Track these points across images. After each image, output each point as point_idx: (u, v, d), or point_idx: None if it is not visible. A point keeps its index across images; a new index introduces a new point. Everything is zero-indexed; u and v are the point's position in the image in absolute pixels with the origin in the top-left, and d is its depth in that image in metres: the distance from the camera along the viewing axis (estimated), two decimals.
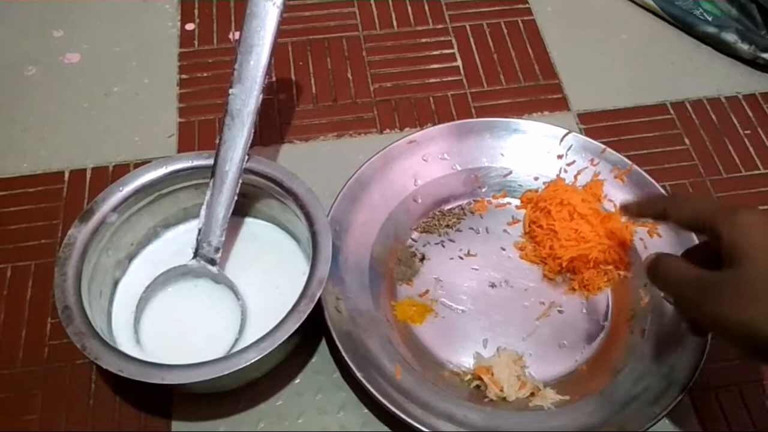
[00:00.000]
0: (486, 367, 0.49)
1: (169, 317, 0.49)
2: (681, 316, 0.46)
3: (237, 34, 0.68)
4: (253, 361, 0.42)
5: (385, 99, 0.65)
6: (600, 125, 0.64)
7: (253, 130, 0.49)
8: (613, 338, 0.52)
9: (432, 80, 0.67)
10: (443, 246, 0.56)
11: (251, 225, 0.54)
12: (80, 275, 0.46)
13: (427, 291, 0.54)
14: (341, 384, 0.50)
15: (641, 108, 0.65)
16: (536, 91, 0.67)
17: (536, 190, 0.58)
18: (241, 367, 0.42)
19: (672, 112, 0.65)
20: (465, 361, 0.51)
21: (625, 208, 0.47)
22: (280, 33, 0.49)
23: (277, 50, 0.49)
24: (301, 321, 0.43)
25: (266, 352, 0.42)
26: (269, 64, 0.48)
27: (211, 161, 0.49)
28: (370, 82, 0.67)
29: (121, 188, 0.49)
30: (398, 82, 0.67)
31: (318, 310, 0.46)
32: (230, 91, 0.49)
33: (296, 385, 0.50)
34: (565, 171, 0.58)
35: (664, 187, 0.57)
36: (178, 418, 0.48)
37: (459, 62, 0.69)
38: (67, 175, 0.59)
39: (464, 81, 0.67)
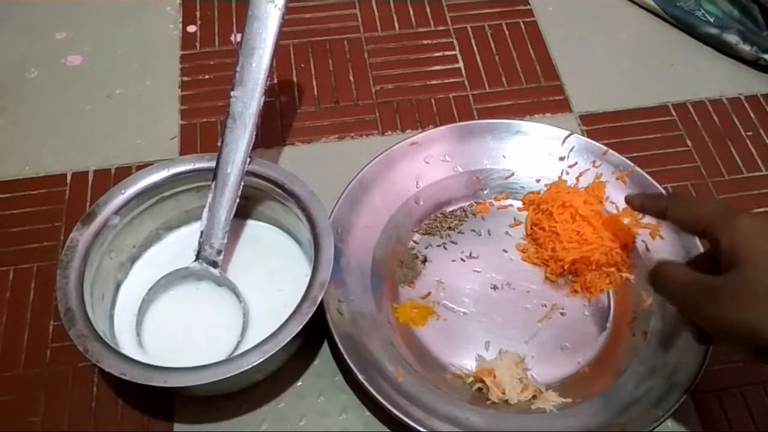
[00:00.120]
0: (488, 370, 0.49)
1: (171, 320, 0.49)
2: (685, 324, 0.46)
3: (239, 36, 0.69)
4: (255, 363, 0.42)
5: (387, 101, 0.65)
6: (602, 127, 0.64)
7: (254, 133, 0.49)
8: (615, 340, 0.52)
9: (434, 82, 0.67)
10: (445, 248, 0.56)
11: (253, 227, 0.54)
12: (82, 278, 0.46)
13: (429, 293, 0.54)
14: (343, 386, 0.50)
15: (643, 109, 0.65)
16: (538, 92, 0.66)
17: (538, 192, 0.58)
18: (243, 369, 0.42)
19: (674, 113, 0.65)
20: (467, 363, 0.51)
21: (630, 200, 0.48)
22: (281, 35, 0.49)
23: (278, 52, 0.49)
24: (303, 323, 0.43)
25: (268, 355, 0.42)
26: (271, 66, 0.48)
27: (212, 164, 0.49)
28: (372, 83, 0.66)
29: (123, 191, 0.49)
30: (400, 84, 0.67)
31: (320, 312, 0.46)
32: (232, 93, 0.49)
33: (298, 388, 0.50)
34: (567, 173, 0.58)
35: (666, 188, 0.57)
36: (181, 421, 0.48)
37: (461, 64, 0.69)
38: (69, 177, 0.59)
39: (466, 83, 0.67)
